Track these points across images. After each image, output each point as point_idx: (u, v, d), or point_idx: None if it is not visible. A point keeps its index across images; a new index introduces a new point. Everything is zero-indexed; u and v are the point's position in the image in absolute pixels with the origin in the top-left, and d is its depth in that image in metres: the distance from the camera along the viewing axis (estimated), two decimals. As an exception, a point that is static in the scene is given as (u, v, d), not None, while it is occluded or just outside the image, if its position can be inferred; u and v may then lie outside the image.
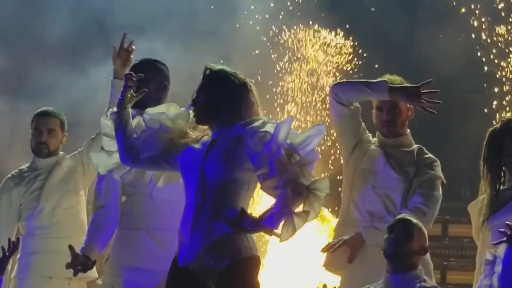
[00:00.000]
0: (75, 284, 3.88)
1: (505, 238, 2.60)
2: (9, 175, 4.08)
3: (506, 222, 2.65)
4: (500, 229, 2.63)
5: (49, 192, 3.93)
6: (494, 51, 7.30)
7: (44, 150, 3.94)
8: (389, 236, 2.77)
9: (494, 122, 3.93)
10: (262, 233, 2.76)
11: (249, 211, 2.69)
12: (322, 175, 5.39)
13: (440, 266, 6.65)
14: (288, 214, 2.58)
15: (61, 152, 4.00)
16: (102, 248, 3.38)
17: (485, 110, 7.04)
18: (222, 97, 2.72)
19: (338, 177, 3.68)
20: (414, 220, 2.82)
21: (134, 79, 2.81)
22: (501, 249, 2.67)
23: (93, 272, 3.61)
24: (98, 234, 3.36)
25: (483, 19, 7.32)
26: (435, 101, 3.08)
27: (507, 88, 7.15)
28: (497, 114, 7.00)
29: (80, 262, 3.23)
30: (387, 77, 3.12)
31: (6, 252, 3.25)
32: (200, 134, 2.84)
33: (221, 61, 3.02)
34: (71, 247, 3.20)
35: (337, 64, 7.19)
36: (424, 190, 3.12)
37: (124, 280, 3.34)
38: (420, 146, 3.26)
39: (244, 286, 2.71)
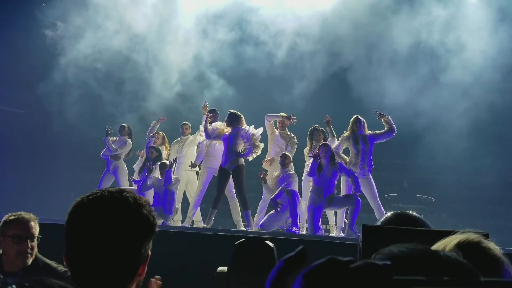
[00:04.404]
0: (192, 172, 10.27)
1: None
2: (175, 140, 10.39)
3: (312, 150, 9.57)
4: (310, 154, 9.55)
5: (186, 146, 10.23)
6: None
7: (184, 133, 10.36)
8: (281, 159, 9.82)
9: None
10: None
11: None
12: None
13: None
14: (252, 152, 9.25)
15: (189, 134, 10.38)
16: (200, 162, 10.03)
17: None
18: (233, 120, 9.45)
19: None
20: (288, 154, 9.63)
21: (211, 115, 9.80)
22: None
23: (195, 169, 10.25)
24: (198, 157, 10.01)
25: None
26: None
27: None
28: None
29: (192, 165, 9.98)
30: (281, 113, 10.07)
31: (170, 166, 9.92)
32: (229, 130, 9.42)
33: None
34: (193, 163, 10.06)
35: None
36: (290, 147, 9.90)
37: (206, 171, 9.83)
38: (291, 133, 10.08)
39: (240, 175, 9.21)
